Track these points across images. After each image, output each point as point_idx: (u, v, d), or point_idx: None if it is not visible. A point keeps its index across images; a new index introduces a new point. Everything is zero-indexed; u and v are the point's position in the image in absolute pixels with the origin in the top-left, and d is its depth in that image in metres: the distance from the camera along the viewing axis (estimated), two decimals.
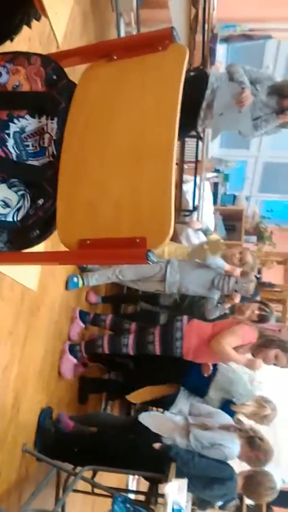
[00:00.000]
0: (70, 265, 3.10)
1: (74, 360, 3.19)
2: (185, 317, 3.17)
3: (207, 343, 3.03)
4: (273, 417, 2.97)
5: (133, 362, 3.45)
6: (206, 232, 3.95)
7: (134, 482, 4.31)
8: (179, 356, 3.11)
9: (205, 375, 3.29)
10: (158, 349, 3.08)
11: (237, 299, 3.34)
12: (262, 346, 3.00)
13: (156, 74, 1.40)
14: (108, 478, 3.27)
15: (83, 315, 3.35)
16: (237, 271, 3.37)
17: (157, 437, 2.82)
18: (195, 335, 3.08)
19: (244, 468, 2.89)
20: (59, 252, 1.31)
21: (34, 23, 2.05)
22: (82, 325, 3.34)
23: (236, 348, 2.99)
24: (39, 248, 1.43)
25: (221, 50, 4.76)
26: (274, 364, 3.00)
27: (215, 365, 3.22)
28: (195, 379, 3.19)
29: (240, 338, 3.02)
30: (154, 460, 2.74)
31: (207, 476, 2.71)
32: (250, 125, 2.88)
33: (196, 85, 2.83)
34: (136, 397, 3.35)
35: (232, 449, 2.79)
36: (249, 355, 3.05)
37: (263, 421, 3.01)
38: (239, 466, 2.91)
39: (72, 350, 3.18)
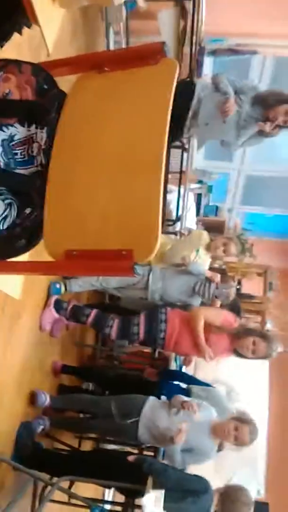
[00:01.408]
0: None
1: (56, 315, 3.13)
2: (168, 308, 3.24)
3: (189, 327, 3.05)
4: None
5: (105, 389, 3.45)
6: (189, 231, 4.01)
7: (110, 493, 4.27)
8: (161, 346, 3.13)
9: (186, 366, 3.34)
10: (142, 336, 3.10)
11: (217, 305, 3.37)
12: (242, 333, 3.03)
13: (147, 88, 1.41)
14: (85, 488, 3.24)
15: (59, 304, 3.22)
16: (218, 277, 3.41)
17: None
18: (178, 319, 3.12)
19: (220, 486, 2.87)
20: (45, 262, 1.30)
21: (24, 29, 2.05)
22: (56, 314, 3.17)
23: (213, 328, 3.04)
24: (23, 257, 1.42)
25: (208, 63, 4.82)
26: (252, 352, 3.00)
27: (186, 391, 3.15)
28: None
29: (219, 316, 3.10)
30: (130, 472, 2.72)
31: (180, 489, 2.68)
32: (234, 135, 2.91)
33: (183, 94, 2.86)
34: None
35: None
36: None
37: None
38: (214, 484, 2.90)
39: (57, 304, 3.14)
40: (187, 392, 3.07)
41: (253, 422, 2.88)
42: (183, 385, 3.27)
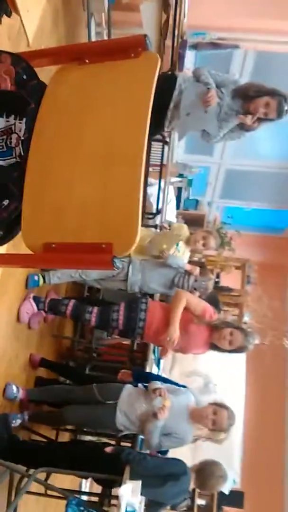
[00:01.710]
0: None
1: (35, 308, 3.12)
2: (149, 299, 3.28)
3: (168, 317, 3.07)
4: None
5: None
6: (170, 223, 4.03)
7: (87, 484, 4.29)
8: (140, 336, 3.15)
9: (162, 357, 3.37)
10: (121, 323, 3.11)
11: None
12: (220, 325, 3.08)
13: (128, 81, 1.41)
14: (61, 479, 3.25)
15: (37, 301, 3.20)
16: (197, 270, 3.44)
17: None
18: (159, 309, 3.15)
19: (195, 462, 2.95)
20: (23, 255, 1.29)
21: (4, 18, 2.02)
22: (35, 306, 3.15)
23: (193, 318, 3.07)
24: (0, 249, 1.41)
25: (189, 56, 4.81)
26: (229, 343, 3.04)
27: None
28: None
29: (201, 304, 3.13)
30: (108, 462, 2.74)
31: (160, 474, 2.73)
32: (216, 125, 2.91)
33: (165, 86, 2.85)
34: None
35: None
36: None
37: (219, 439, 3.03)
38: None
39: (36, 300, 3.13)
40: None
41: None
42: None
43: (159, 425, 2.75)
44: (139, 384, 3.03)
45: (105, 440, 3.89)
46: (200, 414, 2.85)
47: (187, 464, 2.90)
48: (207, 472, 2.88)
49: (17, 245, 1.50)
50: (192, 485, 2.87)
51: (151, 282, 3.41)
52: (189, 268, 3.45)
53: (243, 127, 2.96)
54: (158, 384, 2.93)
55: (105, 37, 3.91)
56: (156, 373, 3.87)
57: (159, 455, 3.13)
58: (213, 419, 2.82)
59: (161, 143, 4.35)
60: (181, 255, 3.60)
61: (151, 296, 3.77)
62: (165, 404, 2.74)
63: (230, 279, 5.81)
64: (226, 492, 4.50)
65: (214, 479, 2.91)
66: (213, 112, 2.89)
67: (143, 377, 3.25)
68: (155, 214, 4.42)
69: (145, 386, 2.98)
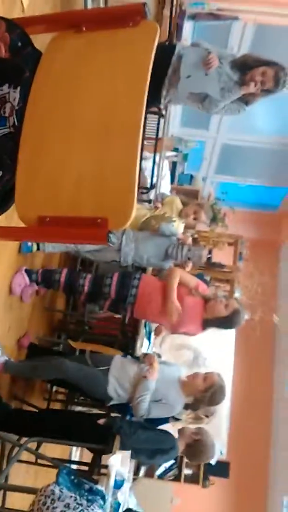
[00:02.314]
0: None
1: (27, 280, 3.11)
2: (143, 274, 3.30)
3: (160, 293, 3.09)
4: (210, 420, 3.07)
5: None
6: (162, 196, 4.01)
7: (77, 453, 4.38)
8: (130, 307, 3.15)
9: (156, 336, 3.39)
10: (113, 291, 3.12)
11: (189, 268, 3.41)
12: (213, 297, 3.13)
13: (126, 50, 1.37)
14: (52, 448, 3.31)
15: (29, 274, 3.17)
16: (189, 239, 3.45)
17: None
18: (151, 285, 3.17)
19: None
20: (16, 228, 1.28)
21: None
22: (27, 279, 3.13)
23: (189, 290, 3.10)
24: None
25: (188, 27, 4.71)
26: (225, 306, 3.08)
27: None
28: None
29: (193, 280, 3.17)
30: (98, 433, 2.79)
31: (149, 448, 2.80)
32: (217, 89, 2.87)
33: (163, 53, 2.80)
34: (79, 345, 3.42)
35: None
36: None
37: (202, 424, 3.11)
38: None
39: (28, 272, 3.13)
40: None
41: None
42: None
43: (151, 387, 2.77)
44: (128, 356, 3.07)
45: (95, 410, 3.95)
46: (190, 381, 2.89)
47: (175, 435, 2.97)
48: (198, 447, 2.95)
49: (9, 217, 1.48)
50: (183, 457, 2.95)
51: (144, 252, 3.40)
52: (182, 237, 3.46)
53: (243, 100, 2.93)
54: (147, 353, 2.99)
55: (102, 5, 3.80)
56: (147, 346, 3.90)
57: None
58: (205, 376, 2.89)
59: (156, 116, 4.28)
60: (175, 229, 3.60)
61: (144, 270, 3.78)
62: (154, 365, 2.78)
63: (222, 255, 5.82)
64: (213, 462, 4.60)
65: (204, 455, 3.00)
66: (214, 76, 2.86)
67: None
68: (149, 189, 4.38)
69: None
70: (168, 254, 3.39)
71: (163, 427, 3.01)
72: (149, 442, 2.81)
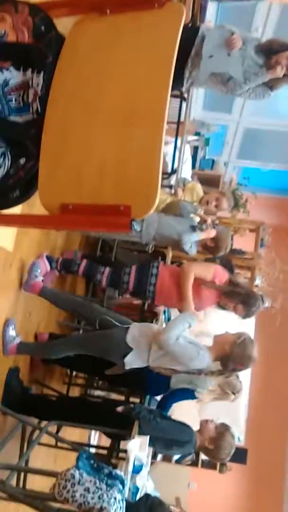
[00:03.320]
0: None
1: (48, 267, 3.11)
2: (161, 262, 3.25)
3: (179, 282, 3.08)
4: (237, 398, 2.99)
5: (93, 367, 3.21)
6: (184, 181, 3.95)
7: (95, 437, 4.43)
8: (151, 299, 3.16)
9: None
10: (131, 286, 3.13)
11: (213, 233, 3.35)
12: (227, 294, 3.09)
13: (151, 33, 1.34)
14: (71, 432, 3.34)
15: (50, 260, 3.19)
16: (209, 219, 3.42)
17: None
18: (169, 273, 3.15)
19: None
20: (39, 216, 1.27)
21: None
22: (48, 266, 3.13)
23: (202, 282, 3.07)
24: (15, 208, 1.38)
25: (211, 8, 4.60)
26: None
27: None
28: (153, 385, 3.09)
29: (209, 273, 3.10)
30: (117, 418, 2.80)
31: (166, 438, 2.78)
32: (240, 71, 2.81)
33: (186, 35, 2.74)
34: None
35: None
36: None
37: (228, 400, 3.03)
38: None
39: (49, 259, 3.14)
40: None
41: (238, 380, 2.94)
42: None
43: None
44: None
45: (114, 395, 3.98)
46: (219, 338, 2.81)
47: (193, 422, 2.96)
48: (218, 442, 2.85)
49: (30, 205, 1.48)
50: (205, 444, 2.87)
51: (166, 226, 3.33)
52: (202, 215, 3.43)
53: (267, 85, 2.86)
54: None
55: None
56: None
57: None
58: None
59: (178, 99, 4.21)
60: (194, 208, 3.56)
61: (163, 257, 3.75)
62: None
63: (244, 242, 5.75)
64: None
65: (223, 451, 2.88)
66: (237, 58, 2.79)
67: None
68: (170, 174, 4.33)
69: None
70: (191, 230, 3.34)
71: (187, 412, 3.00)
72: (167, 432, 2.76)
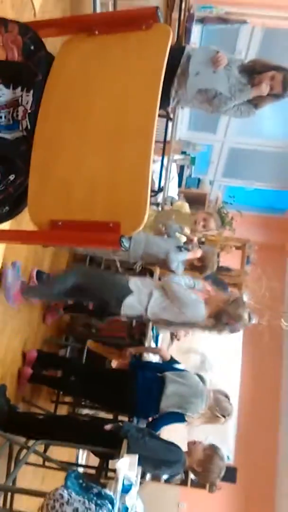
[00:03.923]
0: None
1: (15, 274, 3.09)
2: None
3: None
4: (228, 420, 2.99)
5: (81, 383, 3.18)
6: (172, 201, 3.99)
7: (84, 456, 4.37)
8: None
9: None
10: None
11: (199, 252, 3.40)
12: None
13: (139, 53, 1.37)
14: (59, 451, 3.29)
15: (40, 275, 3.23)
16: (195, 239, 3.46)
17: None
18: None
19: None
20: (28, 232, 1.28)
21: None
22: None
23: None
24: (3, 224, 1.39)
25: (196, 31, 4.71)
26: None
27: (162, 379, 2.99)
28: (142, 408, 3.02)
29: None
30: (106, 436, 2.77)
31: (155, 458, 2.74)
32: (227, 86, 2.87)
33: (173, 55, 2.80)
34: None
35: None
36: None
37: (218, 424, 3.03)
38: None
39: (38, 275, 3.16)
40: (162, 379, 2.99)
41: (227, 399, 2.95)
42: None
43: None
44: None
45: (102, 414, 3.94)
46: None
47: (182, 442, 2.93)
48: (207, 465, 2.83)
49: (19, 221, 1.48)
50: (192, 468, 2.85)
51: (153, 245, 3.36)
52: (188, 235, 3.47)
53: (252, 102, 2.93)
54: None
55: (111, 9, 3.80)
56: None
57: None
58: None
59: (164, 119, 4.28)
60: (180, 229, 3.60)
61: (151, 274, 3.76)
62: None
63: (230, 259, 5.80)
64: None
65: (212, 474, 2.85)
66: (223, 75, 2.86)
67: (141, 365, 3.25)
68: (157, 192, 4.38)
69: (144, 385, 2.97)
70: (177, 250, 3.36)
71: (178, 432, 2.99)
72: (155, 451, 2.73)
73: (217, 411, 2.91)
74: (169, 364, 3.33)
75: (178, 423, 3.03)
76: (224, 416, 2.93)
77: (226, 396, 3.01)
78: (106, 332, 4.25)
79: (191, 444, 2.88)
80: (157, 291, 2.87)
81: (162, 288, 2.90)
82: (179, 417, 2.95)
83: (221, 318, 2.84)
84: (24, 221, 1.33)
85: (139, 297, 2.80)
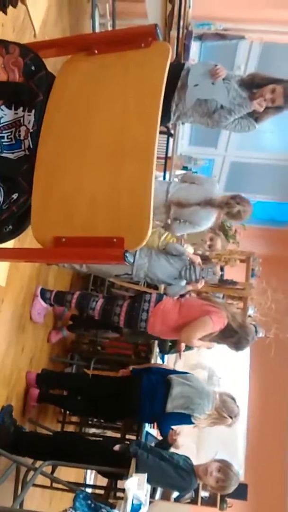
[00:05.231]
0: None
1: (45, 305, 3.19)
2: (153, 296, 3.20)
3: (172, 327, 3.07)
4: (234, 422, 2.97)
5: (87, 401, 3.21)
6: None
7: (92, 476, 4.30)
8: (143, 330, 3.13)
9: (179, 351, 3.46)
10: (122, 322, 3.13)
11: (200, 285, 3.40)
12: (223, 335, 3.05)
13: (138, 71, 1.38)
14: (67, 472, 3.25)
15: (44, 293, 3.25)
16: (198, 258, 3.43)
17: None
18: (160, 320, 3.10)
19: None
20: (32, 249, 1.28)
21: (9, 9, 1.99)
22: (44, 304, 3.22)
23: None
24: (7, 243, 1.39)
25: (194, 47, 4.76)
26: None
27: (168, 381, 2.99)
28: (147, 409, 2.99)
29: (210, 328, 3.03)
30: (114, 456, 2.74)
31: (165, 481, 2.76)
32: (227, 97, 2.89)
33: (173, 71, 2.83)
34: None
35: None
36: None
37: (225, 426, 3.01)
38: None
39: (43, 293, 3.19)
40: (168, 382, 2.98)
41: (237, 411, 2.92)
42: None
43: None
44: None
45: (109, 433, 3.89)
46: None
47: (192, 457, 2.89)
48: (225, 487, 2.86)
49: (22, 239, 1.49)
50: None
51: (157, 270, 3.33)
52: (191, 257, 3.44)
53: (252, 116, 2.94)
54: None
55: (109, 28, 3.86)
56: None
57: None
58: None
59: (165, 135, 4.31)
60: (182, 248, 3.58)
61: (156, 287, 3.75)
62: None
63: (235, 272, 5.78)
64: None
65: (231, 489, 2.88)
66: (222, 87, 2.88)
67: (146, 370, 3.24)
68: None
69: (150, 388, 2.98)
70: (181, 276, 3.36)
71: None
72: (166, 474, 2.69)
73: (223, 411, 2.89)
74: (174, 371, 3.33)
75: (185, 424, 3.03)
76: (231, 417, 2.91)
77: (232, 398, 3.01)
78: (111, 350, 4.23)
79: (202, 474, 2.81)
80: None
81: None
82: (186, 419, 2.94)
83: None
84: (27, 239, 1.33)
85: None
